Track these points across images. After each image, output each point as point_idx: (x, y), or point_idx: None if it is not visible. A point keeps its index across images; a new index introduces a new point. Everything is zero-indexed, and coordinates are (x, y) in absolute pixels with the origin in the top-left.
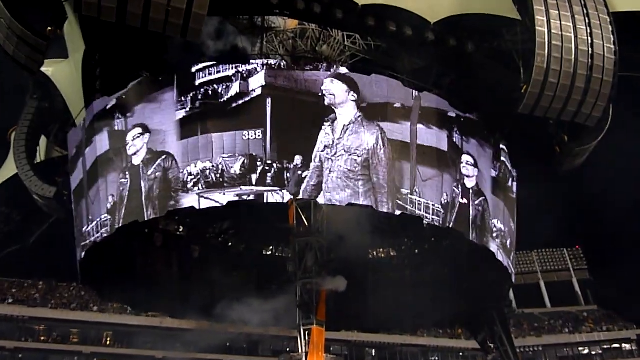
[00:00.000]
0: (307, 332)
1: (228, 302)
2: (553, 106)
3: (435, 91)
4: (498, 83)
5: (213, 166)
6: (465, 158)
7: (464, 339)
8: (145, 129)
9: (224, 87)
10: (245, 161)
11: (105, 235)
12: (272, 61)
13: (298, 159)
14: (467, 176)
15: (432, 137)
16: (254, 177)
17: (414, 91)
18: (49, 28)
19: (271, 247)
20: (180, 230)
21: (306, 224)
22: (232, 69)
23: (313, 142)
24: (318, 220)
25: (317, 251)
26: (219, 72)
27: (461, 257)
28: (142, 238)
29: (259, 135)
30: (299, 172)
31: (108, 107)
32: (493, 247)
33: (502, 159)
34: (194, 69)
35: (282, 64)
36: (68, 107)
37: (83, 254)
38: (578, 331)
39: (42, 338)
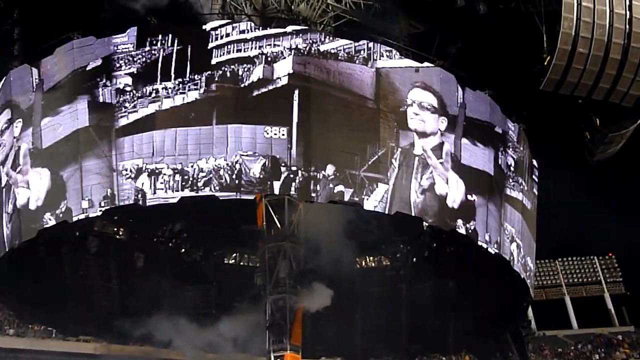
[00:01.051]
0: None
1: (180, 323)
2: (582, 82)
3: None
4: (515, 53)
5: (228, 165)
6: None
7: None
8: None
9: (245, 69)
10: (267, 163)
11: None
12: (300, 45)
13: (330, 169)
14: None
15: (478, 156)
16: (277, 184)
17: (458, 93)
18: None
19: (234, 255)
20: (121, 233)
21: (278, 225)
22: (255, 49)
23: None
24: (293, 222)
25: (292, 259)
26: (239, 50)
27: (468, 266)
28: (71, 243)
29: (283, 135)
30: (331, 185)
31: (90, 67)
32: (507, 254)
33: (521, 151)
34: (210, 45)
35: (312, 49)
36: None
37: None
38: (611, 357)
39: None
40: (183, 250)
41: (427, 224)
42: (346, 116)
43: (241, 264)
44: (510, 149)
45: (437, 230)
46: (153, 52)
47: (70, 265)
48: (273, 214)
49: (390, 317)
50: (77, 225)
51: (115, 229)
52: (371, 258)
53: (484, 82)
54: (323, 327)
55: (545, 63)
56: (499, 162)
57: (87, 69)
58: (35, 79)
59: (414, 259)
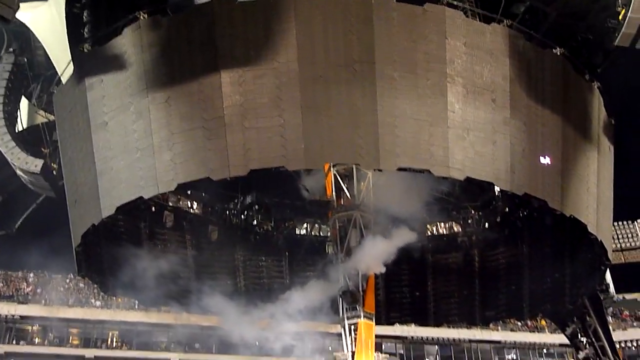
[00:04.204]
0: (352, 327)
1: (255, 293)
2: None
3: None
4: (587, 8)
5: None
6: None
7: (548, 332)
8: None
9: None
10: None
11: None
12: None
13: None
14: None
15: None
16: None
17: None
18: None
19: (305, 225)
20: (195, 207)
21: (348, 195)
22: None
23: None
24: (362, 191)
25: (362, 228)
26: None
27: (542, 231)
28: (149, 218)
29: None
30: None
31: None
32: (583, 216)
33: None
34: None
35: None
36: (51, 61)
37: (80, 239)
38: None
39: (37, 340)
40: (255, 222)
41: (498, 189)
42: None
43: (312, 234)
44: None
45: (509, 195)
46: None
47: (148, 240)
48: (342, 183)
49: (463, 283)
50: (153, 201)
51: (189, 204)
52: (442, 225)
53: (554, 41)
54: (396, 294)
55: (620, 17)
56: None
57: None
58: None
59: (486, 225)
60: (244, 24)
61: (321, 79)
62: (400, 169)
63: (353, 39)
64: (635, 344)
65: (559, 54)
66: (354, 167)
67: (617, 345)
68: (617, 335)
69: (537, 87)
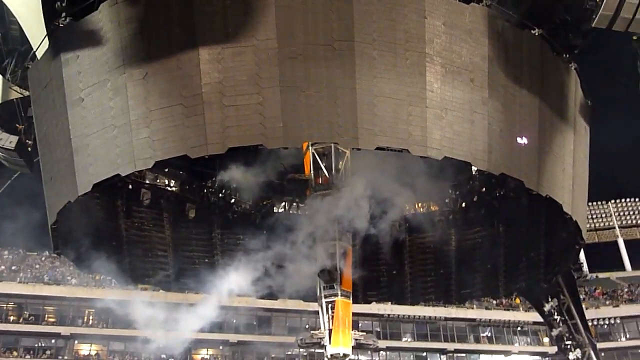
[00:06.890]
0: (330, 305)
1: (233, 271)
2: (637, 17)
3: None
4: None
5: None
6: None
7: (522, 310)
8: None
9: None
10: None
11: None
12: None
13: None
14: None
15: None
16: None
17: None
18: None
19: (283, 204)
20: (172, 185)
21: (326, 174)
22: None
23: None
24: (340, 169)
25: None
26: None
27: (518, 210)
28: (126, 196)
29: None
30: None
31: None
32: (558, 196)
33: (571, 85)
34: None
35: None
36: (26, 35)
37: (55, 216)
38: None
39: (12, 318)
40: (233, 200)
41: (476, 169)
42: None
43: (290, 212)
44: None
45: (486, 175)
46: None
47: (125, 217)
48: (320, 162)
49: (440, 262)
50: (130, 179)
51: (167, 181)
52: (419, 204)
53: (534, 21)
54: (373, 273)
55: None
56: None
57: None
58: None
59: (463, 204)
60: (223, 0)
61: (300, 57)
62: (378, 148)
63: (332, 17)
64: (607, 322)
65: (537, 34)
66: (332, 145)
67: (590, 323)
68: (590, 314)
69: (515, 68)
